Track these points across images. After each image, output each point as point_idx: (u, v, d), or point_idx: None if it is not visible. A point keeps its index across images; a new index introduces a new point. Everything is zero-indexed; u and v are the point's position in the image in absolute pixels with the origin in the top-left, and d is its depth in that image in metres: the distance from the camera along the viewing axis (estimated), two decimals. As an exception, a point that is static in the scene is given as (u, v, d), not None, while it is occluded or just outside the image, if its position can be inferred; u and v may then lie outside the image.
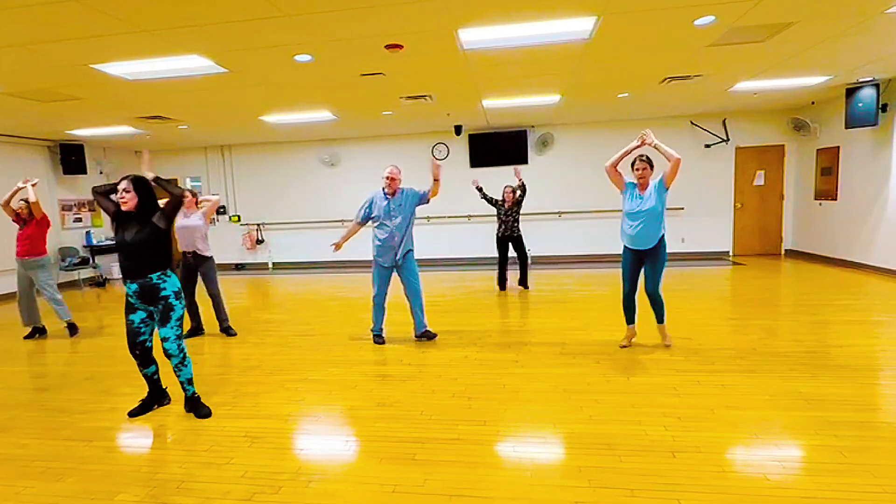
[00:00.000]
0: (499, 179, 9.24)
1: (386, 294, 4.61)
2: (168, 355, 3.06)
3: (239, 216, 10.31)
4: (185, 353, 3.13)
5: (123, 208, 2.92)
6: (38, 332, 5.40)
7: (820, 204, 8.04)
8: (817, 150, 8.03)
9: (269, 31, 3.72)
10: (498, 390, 3.38)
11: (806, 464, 2.36)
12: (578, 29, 3.98)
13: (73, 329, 5.41)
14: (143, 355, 3.15)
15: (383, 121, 7.96)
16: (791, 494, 2.12)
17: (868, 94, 6.43)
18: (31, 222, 5.17)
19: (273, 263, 10.37)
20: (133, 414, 3.18)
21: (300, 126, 8.09)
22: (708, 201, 8.91)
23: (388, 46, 4.20)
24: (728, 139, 8.71)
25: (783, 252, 8.99)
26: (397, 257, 4.49)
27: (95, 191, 3.09)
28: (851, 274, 6.95)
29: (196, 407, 3.20)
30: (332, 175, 9.93)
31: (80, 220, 9.10)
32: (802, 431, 2.66)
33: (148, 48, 3.98)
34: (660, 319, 4.09)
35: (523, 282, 6.79)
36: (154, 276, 2.97)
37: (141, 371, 3.21)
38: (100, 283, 9.05)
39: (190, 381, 3.20)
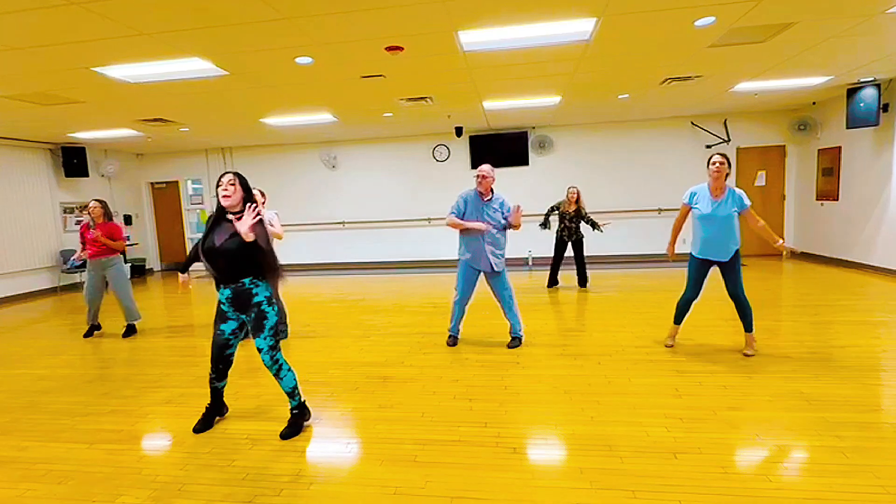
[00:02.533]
0: (500, 180, 9.26)
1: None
2: (266, 364, 2.84)
3: (240, 218, 10.32)
4: (281, 364, 2.87)
5: (225, 203, 2.72)
6: (94, 329, 5.53)
7: (821, 204, 8.03)
8: (818, 150, 8.02)
9: (269, 33, 3.73)
10: (499, 392, 3.37)
11: (808, 465, 2.36)
12: (578, 30, 3.99)
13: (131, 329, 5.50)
14: (224, 369, 2.94)
15: (384, 123, 7.96)
16: (793, 495, 2.12)
17: (869, 93, 6.43)
18: (102, 227, 5.14)
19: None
20: (198, 430, 2.97)
21: (300, 128, 8.10)
22: (709, 202, 8.89)
23: (389, 48, 4.21)
24: (729, 140, 8.71)
25: (784, 253, 8.98)
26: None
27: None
28: (853, 274, 6.94)
29: (291, 425, 2.90)
30: (333, 177, 9.94)
31: (80, 223, 9.10)
32: (804, 432, 2.65)
33: (149, 51, 3.99)
34: (747, 327, 3.90)
35: (583, 281, 6.94)
36: (247, 280, 2.77)
37: (212, 384, 2.98)
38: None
39: (293, 395, 2.93)
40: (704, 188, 3.80)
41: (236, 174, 2.77)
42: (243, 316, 2.84)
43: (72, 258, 5.68)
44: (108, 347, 4.98)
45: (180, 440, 2.89)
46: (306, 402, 3.06)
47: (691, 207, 3.85)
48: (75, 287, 8.83)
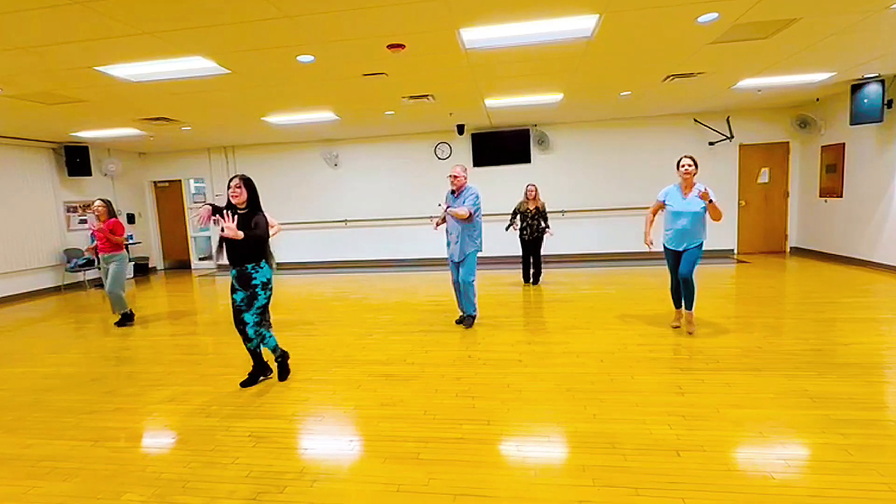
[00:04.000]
0: (502, 178, 9.28)
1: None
2: (243, 336, 3.53)
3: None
4: (263, 336, 3.59)
5: (234, 201, 3.39)
6: (128, 317, 5.86)
7: (825, 201, 7.99)
8: (822, 147, 7.98)
9: (270, 32, 3.73)
10: (501, 390, 3.38)
11: (812, 462, 2.35)
12: (580, 27, 3.97)
13: (127, 318, 5.86)
14: (245, 330, 3.53)
15: (385, 121, 7.96)
16: (797, 493, 2.11)
17: (873, 90, 6.39)
18: (106, 223, 5.57)
19: (276, 264, 10.38)
20: (245, 384, 3.64)
21: (302, 127, 8.10)
22: (712, 199, 8.86)
23: (390, 46, 4.20)
24: (732, 137, 8.67)
25: (788, 250, 8.95)
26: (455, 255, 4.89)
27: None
28: (857, 271, 6.91)
29: (282, 370, 3.77)
30: (335, 175, 9.94)
31: (84, 221, 9.14)
32: (808, 430, 2.65)
33: (151, 50, 4.00)
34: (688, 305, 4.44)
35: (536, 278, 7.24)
36: (249, 265, 3.45)
37: (247, 348, 3.60)
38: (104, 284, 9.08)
39: (274, 349, 3.70)
40: (675, 188, 4.40)
41: (242, 177, 3.42)
42: (246, 291, 3.49)
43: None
44: (111, 346, 5.00)
45: (184, 438, 2.90)
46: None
47: (664, 204, 4.47)
48: (79, 286, 8.87)
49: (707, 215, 4.22)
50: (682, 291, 4.40)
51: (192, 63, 4.37)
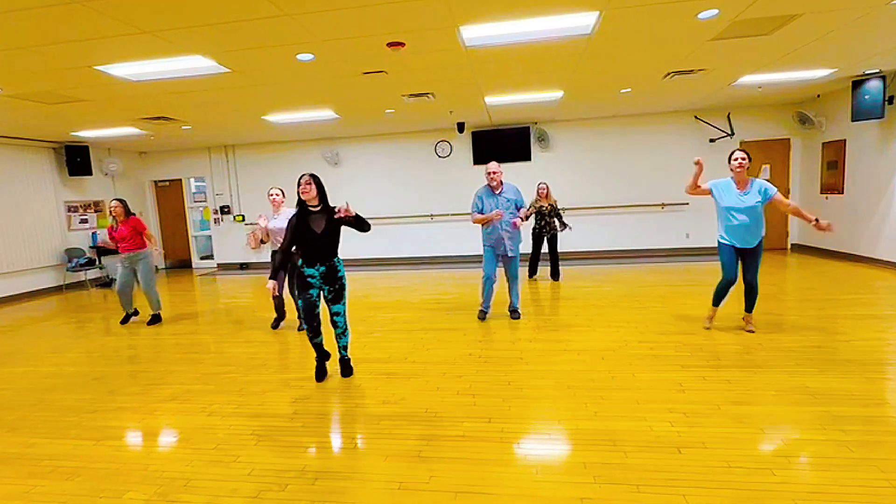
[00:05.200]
0: (504, 176, 9.24)
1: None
2: (335, 325, 3.62)
3: (243, 216, 10.35)
4: (347, 326, 3.68)
5: (304, 198, 3.44)
6: (130, 316, 5.93)
7: (826, 198, 7.98)
8: (823, 143, 7.96)
9: (270, 30, 3.72)
10: (502, 387, 3.38)
11: (812, 459, 2.35)
12: (580, 24, 3.96)
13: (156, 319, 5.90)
14: (318, 326, 3.59)
15: (385, 119, 7.95)
16: (798, 489, 2.11)
17: (874, 86, 6.37)
18: (125, 223, 5.54)
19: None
20: (320, 379, 3.67)
21: (302, 125, 8.10)
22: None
23: (390, 44, 4.20)
24: (732, 133, 8.66)
25: (789, 247, 8.94)
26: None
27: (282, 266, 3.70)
28: (858, 268, 6.90)
29: (345, 368, 3.77)
30: (335, 174, 9.93)
31: (85, 221, 9.15)
32: (809, 426, 2.65)
33: (151, 49, 4.00)
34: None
35: (556, 274, 7.21)
36: (336, 259, 3.54)
37: (313, 342, 3.62)
38: (106, 283, 9.11)
39: (346, 348, 3.76)
40: (729, 182, 4.09)
41: (311, 175, 3.49)
42: (326, 287, 3.52)
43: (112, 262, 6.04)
44: (113, 345, 5.01)
45: (186, 436, 2.91)
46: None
47: (711, 193, 4.18)
48: (80, 285, 8.88)
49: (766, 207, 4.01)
50: (746, 296, 4.27)
51: (192, 62, 4.36)
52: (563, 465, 2.41)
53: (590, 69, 5.44)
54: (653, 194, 9.04)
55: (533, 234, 7.14)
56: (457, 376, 3.63)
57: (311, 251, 3.45)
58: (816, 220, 3.91)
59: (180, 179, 10.63)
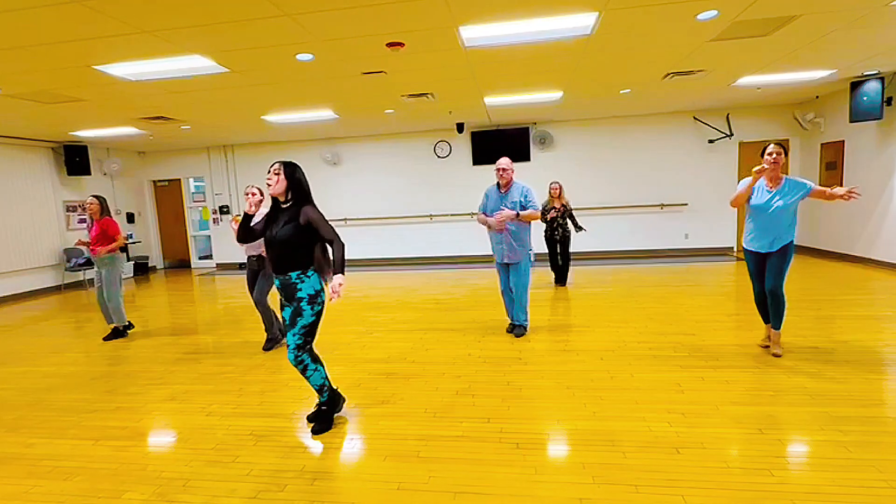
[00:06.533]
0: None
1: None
2: (290, 361, 2.81)
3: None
4: (305, 364, 2.81)
5: (269, 192, 2.78)
6: (116, 333, 5.21)
7: (824, 198, 7.98)
8: (821, 144, 7.98)
9: (270, 30, 3.72)
10: (502, 388, 3.38)
11: (811, 459, 2.36)
12: (580, 25, 3.97)
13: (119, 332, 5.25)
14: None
15: (385, 119, 7.95)
16: (796, 490, 2.12)
17: (873, 87, 6.39)
18: (98, 222, 5.00)
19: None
20: (317, 430, 2.86)
21: (302, 125, 8.10)
22: (711, 197, 8.87)
23: (390, 44, 4.20)
24: (731, 134, 8.67)
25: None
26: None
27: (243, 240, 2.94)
28: (856, 269, 6.92)
29: (317, 419, 2.91)
30: (335, 174, 9.94)
31: (84, 220, 9.14)
32: (807, 427, 2.65)
33: (150, 49, 3.99)
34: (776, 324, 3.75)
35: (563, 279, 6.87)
36: (293, 274, 2.75)
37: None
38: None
39: (320, 390, 2.90)
40: (762, 181, 3.62)
41: (283, 163, 2.76)
42: (292, 305, 2.80)
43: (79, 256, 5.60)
44: (113, 345, 5.00)
45: (185, 436, 2.90)
46: (338, 390, 3.05)
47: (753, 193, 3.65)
48: (79, 285, 8.87)
49: (809, 200, 3.60)
50: (770, 307, 3.72)
51: (192, 62, 4.36)
52: (561, 465, 2.42)
53: (589, 70, 5.45)
54: (652, 195, 9.05)
55: (545, 238, 6.75)
56: (456, 376, 3.63)
57: (270, 258, 2.80)
58: (830, 191, 3.44)
59: (179, 179, 10.63)
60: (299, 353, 2.79)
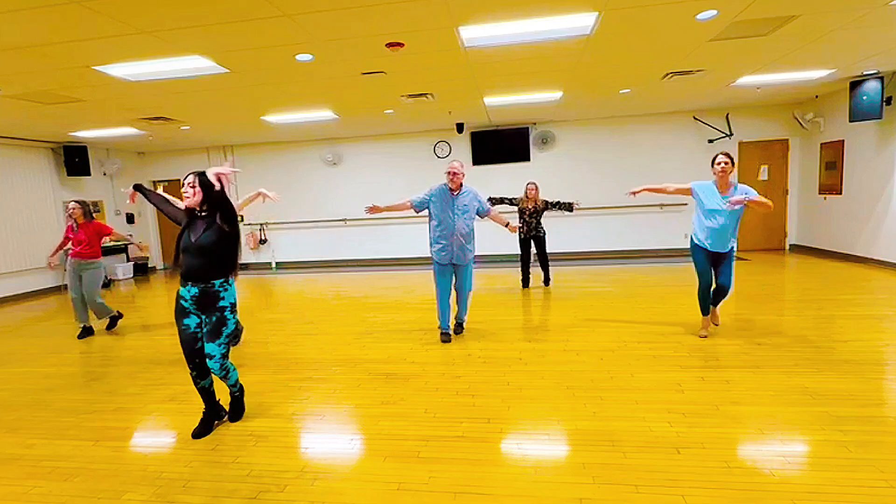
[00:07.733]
0: (503, 176, 9.27)
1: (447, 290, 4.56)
2: (214, 371, 2.83)
3: (242, 216, 10.34)
4: (228, 369, 2.86)
5: (185, 204, 2.77)
6: (87, 331, 5.38)
7: (824, 198, 8.00)
8: (821, 144, 7.98)
9: (269, 30, 3.72)
10: (501, 388, 3.38)
11: (811, 459, 2.36)
12: (579, 25, 3.97)
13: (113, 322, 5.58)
14: (202, 363, 2.82)
15: (385, 119, 7.95)
16: (796, 490, 2.12)
17: (872, 87, 6.39)
18: (85, 226, 5.16)
19: (276, 263, 10.40)
20: (197, 435, 2.87)
21: (302, 126, 8.10)
22: (711, 197, 8.85)
23: (389, 45, 4.20)
24: (731, 134, 8.67)
25: (787, 247, 8.96)
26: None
27: (148, 197, 3.08)
28: (856, 268, 6.92)
29: (235, 409, 3.08)
30: (334, 174, 9.94)
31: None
32: (807, 427, 2.65)
33: (149, 49, 3.99)
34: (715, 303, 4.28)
35: (546, 280, 6.78)
36: (217, 282, 2.75)
37: (197, 384, 2.88)
38: (105, 284, 9.07)
39: (233, 385, 3.01)
40: (711, 185, 4.04)
41: (198, 174, 2.74)
42: (203, 316, 2.78)
43: (50, 259, 5.54)
44: (112, 346, 5.00)
45: (184, 437, 2.90)
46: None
47: (692, 193, 4.14)
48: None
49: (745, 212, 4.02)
50: (718, 296, 4.19)
51: (191, 62, 4.36)
52: (562, 465, 2.41)
53: (589, 70, 5.45)
54: (651, 195, 9.02)
55: (519, 238, 6.60)
56: (455, 377, 3.63)
57: (185, 265, 2.73)
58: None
59: (179, 179, 10.59)
60: (225, 362, 2.83)
